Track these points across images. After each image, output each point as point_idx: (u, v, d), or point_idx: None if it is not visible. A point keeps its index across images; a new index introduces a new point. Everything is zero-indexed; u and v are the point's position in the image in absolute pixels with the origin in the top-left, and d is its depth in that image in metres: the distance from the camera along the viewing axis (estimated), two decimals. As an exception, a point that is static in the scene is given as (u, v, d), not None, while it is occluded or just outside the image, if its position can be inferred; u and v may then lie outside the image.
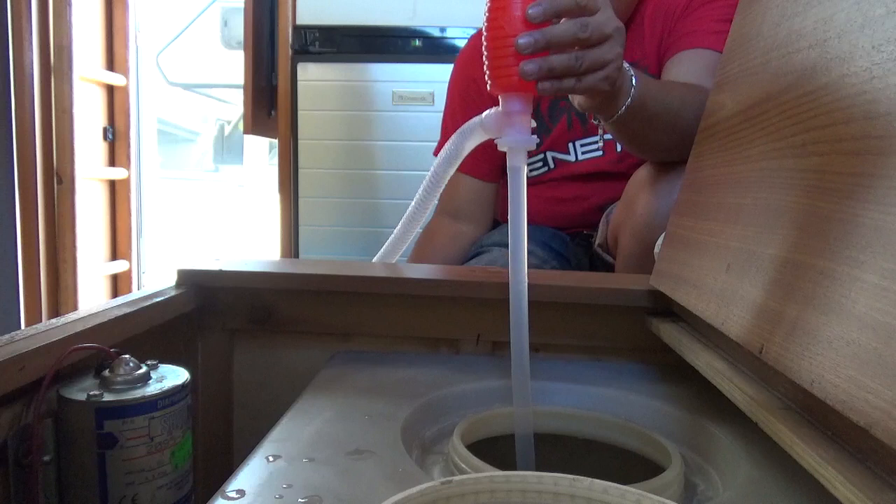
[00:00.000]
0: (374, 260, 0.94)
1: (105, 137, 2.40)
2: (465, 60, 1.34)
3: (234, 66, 2.57)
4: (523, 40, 0.58)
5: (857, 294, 0.39)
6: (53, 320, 0.61)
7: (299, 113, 1.98)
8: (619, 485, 0.37)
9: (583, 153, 1.25)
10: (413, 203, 0.84)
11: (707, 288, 0.61)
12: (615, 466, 0.62)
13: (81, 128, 2.19)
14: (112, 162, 2.44)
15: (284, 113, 1.99)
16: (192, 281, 0.79)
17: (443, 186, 0.81)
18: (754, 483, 0.51)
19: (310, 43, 1.97)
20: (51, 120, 2.13)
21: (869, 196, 0.41)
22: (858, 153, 0.43)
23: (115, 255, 2.47)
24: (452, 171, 0.78)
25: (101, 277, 2.41)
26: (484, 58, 0.60)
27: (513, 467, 0.56)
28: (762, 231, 0.54)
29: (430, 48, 1.96)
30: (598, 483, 0.37)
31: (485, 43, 0.59)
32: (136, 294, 0.73)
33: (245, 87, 2.02)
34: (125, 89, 2.42)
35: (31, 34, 2.06)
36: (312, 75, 1.98)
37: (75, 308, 2.14)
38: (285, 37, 1.96)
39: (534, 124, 0.59)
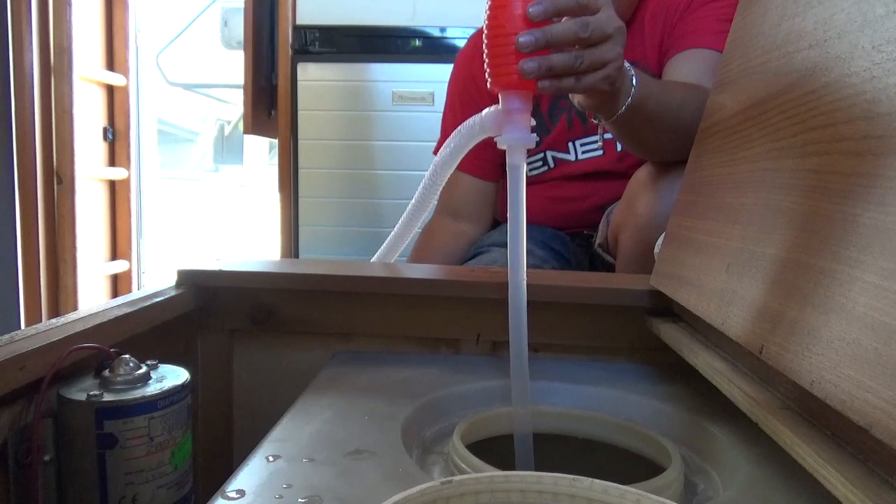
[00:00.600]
0: (374, 259, 0.94)
1: (105, 137, 2.40)
2: (465, 59, 1.34)
3: (234, 66, 2.56)
4: (524, 38, 0.58)
5: (857, 294, 0.39)
6: (53, 320, 0.61)
7: (299, 113, 1.98)
8: (619, 485, 0.37)
9: (583, 153, 1.25)
10: (413, 201, 0.84)
11: (707, 288, 0.61)
12: (615, 466, 0.62)
13: (81, 128, 2.19)
14: (112, 162, 2.44)
15: (284, 113, 1.99)
16: (192, 281, 0.79)
17: (442, 184, 0.81)
18: (754, 483, 0.51)
19: (310, 43, 1.97)
20: (51, 120, 2.13)
21: (869, 196, 0.41)
22: (858, 153, 0.43)
23: (115, 255, 2.47)
24: (452, 169, 0.78)
25: (101, 277, 2.41)
26: (484, 56, 0.60)
27: (513, 467, 0.56)
28: (762, 231, 0.54)
29: (430, 48, 1.96)
30: (598, 483, 0.37)
31: (485, 41, 0.59)
32: (136, 294, 0.73)
33: (245, 87, 2.02)
34: (125, 89, 2.42)
35: (31, 34, 2.06)
36: (312, 75, 1.98)
37: (75, 308, 2.14)
38: (285, 37, 1.97)
39: (533, 123, 0.59)
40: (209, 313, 0.82)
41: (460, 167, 0.90)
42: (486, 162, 1.28)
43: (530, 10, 0.59)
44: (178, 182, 5.74)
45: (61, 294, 2.20)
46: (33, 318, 2.14)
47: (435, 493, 0.35)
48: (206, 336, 0.82)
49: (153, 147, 3.04)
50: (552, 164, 1.27)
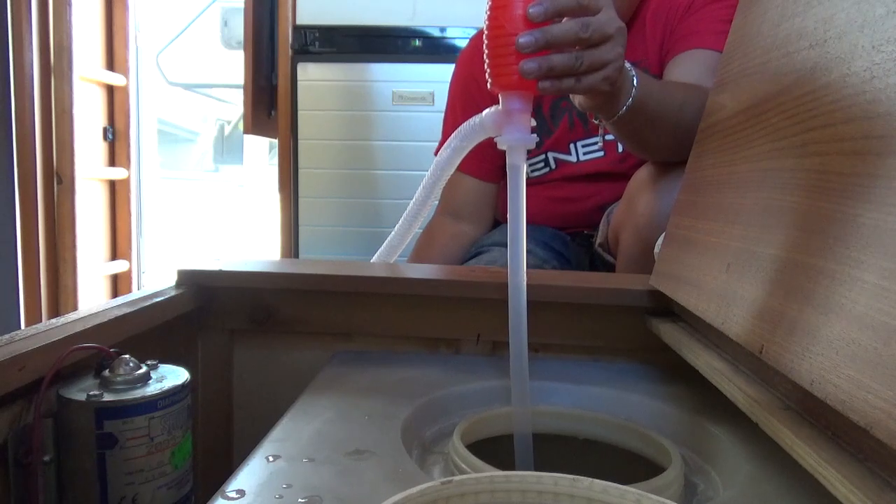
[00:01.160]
0: (374, 258, 0.94)
1: (105, 137, 2.40)
2: (466, 60, 1.34)
3: (234, 66, 2.57)
4: (524, 39, 0.58)
5: (857, 294, 0.39)
6: (53, 320, 0.61)
7: (299, 113, 1.98)
8: (619, 485, 0.37)
9: (584, 154, 1.25)
10: (413, 201, 0.84)
11: (707, 288, 0.61)
12: (615, 466, 0.62)
13: (81, 128, 2.19)
14: (112, 162, 2.44)
15: (284, 113, 1.99)
16: (192, 281, 0.79)
17: (443, 184, 0.81)
18: (754, 483, 0.51)
19: (310, 43, 1.97)
20: (51, 120, 2.13)
21: (869, 196, 0.41)
22: (858, 153, 0.43)
23: (115, 255, 2.47)
24: (453, 169, 0.78)
25: (101, 277, 2.41)
26: (485, 56, 0.60)
27: (513, 467, 0.56)
28: (762, 231, 0.54)
29: (430, 48, 1.96)
30: (598, 483, 0.37)
31: (485, 41, 0.59)
32: (136, 294, 0.73)
33: (245, 87, 2.02)
34: (125, 89, 2.42)
35: (31, 34, 2.06)
36: (312, 75, 1.98)
37: (75, 308, 2.14)
38: (285, 37, 1.97)
39: (534, 123, 0.59)
40: (209, 313, 0.82)
41: (461, 168, 0.90)
42: (487, 163, 1.28)
43: (530, 10, 0.59)
44: (178, 182, 5.74)
45: (61, 294, 2.20)
46: (33, 318, 2.14)
47: (435, 493, 0.35)
48: (206, 336, 0.82)
49: (153, 147, 3.04)
50: (553, 166, 1.27)
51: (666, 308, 0.75)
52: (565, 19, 0.64)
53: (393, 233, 0.90)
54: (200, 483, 0.72)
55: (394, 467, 0.51)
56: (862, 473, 0.37)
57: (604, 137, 1.21)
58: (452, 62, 1.39)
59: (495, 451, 0.60)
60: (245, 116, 2.06)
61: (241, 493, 0.46)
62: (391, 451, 0.54)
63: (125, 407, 0.53)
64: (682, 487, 0.52)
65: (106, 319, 0.62)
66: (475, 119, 0.67)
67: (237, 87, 2.53)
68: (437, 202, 1.30)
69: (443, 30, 1.96)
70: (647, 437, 0.60)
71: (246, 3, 2.00)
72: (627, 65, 0.77)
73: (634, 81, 0.80)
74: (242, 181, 6.04)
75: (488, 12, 0.59)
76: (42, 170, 2.13)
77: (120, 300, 0.70)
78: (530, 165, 1.28)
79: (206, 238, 5.32)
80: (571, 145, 1.25)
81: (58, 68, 2.12)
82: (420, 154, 1.93)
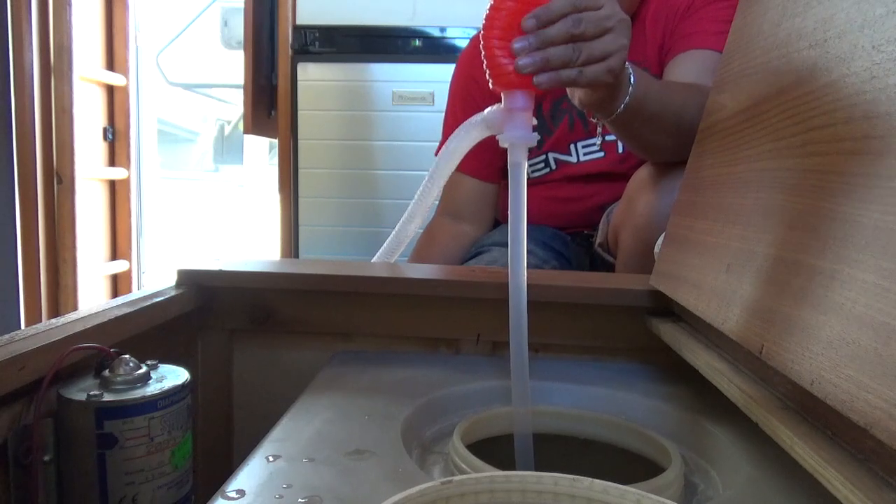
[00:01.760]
0: (375, 258, 0.94)
1: (105, 137, 2.40)
2: (466, 61, 1.34)
3: (234, 66, 2.57)
4: (518, 44, 0.59)
5: (857, 294, 0.39)
6: (53, 320, 0.61)
7: (299, 113, 1.98)
8: (619, 485, 0.37)
9: (584, 154, 1.25)
10: (413, 200, 0.84)
11: (707, 288, 0.61)
12: (615, 466, 0.62)
13: (81, 128, 2.19)
14: (112, 162, 2.44)
15: (284, 113, 1.99)
16: (192, 281, 0.79)
17: (443, 182, 0.81)
18: (754, 483, 0.51)
19: (310, 43, 1.97)
20: (51, 120, 2.13)
21: (869, 196, 0.41)
22: (858, 153, 0.43)
23: (115, 255, 2.47)
24: (453, 167, 0.78)
25: (101, 277, 2.41)
26: (482, 56, 0.60)
27: (513, 467, 0.56)
28: (762, 231, 0.54)
29: (430, 48, 1.96)
30: (598, 483, 0.37)
31: (482, 41, 0.59)
32: (136, 294, 0.73)
33: (245, 87, 2.02)
34: (125, 89, 2.42)
35: (31, 34, 2.06)
36: (312, 75, 1.98)
37: (75, 308, 2.14)
38: (285, 37, 1.97)
39: (534, 122, 0.59)
40: (209, 313, 0.82)
41: (462, 168, 0.90)
42: (488, 164, 1.28)
43: (524, 24, 0.59)
44: (178, 182, 5.74)
45: (61, 294, 2.20)
46: (33, 318, 2.14)
47: (435, 493, 0.35)
48: (206, 336, 0.82)
49: (153, 147, 3.04)
50: (554, 166, 1.27)
51: (666, 308, 0.75)
52: (561, 21, 0.64)
53: (393, 233, 0.90)
54: (200, 483, 0.72)
55: (394, 467, 0.51)
56: (862, 473, 0.37)
57: (604, 138, 1.21)
58: (452, 62, 1.39)
59: (495, 451, 0.60)
60: (245, 116, 2.06)
61: (241, 493, 0.46)
62: (391, 451, 0.54)
63: (125, 407, 0.53)
64: (682, 487, 0.52)
65: (106, 319, 0.62)
66: (476, 117, 0.67)
67: (237, 87, 2.53)
68: (437, 202, 1.30)
69: (443, 30, 1.96)
70: (647, 437, 0.60)
71: (246, 3, 2.00)
72: (626, 64, 0.77)
73: (632, 80, 0.80)
74: (242, 181, 6.04)
75: (486, 12, 0.59)
76: (42, 170, 2.13)
77: (120, 300, 0.70)
78: (530, 166, 1.28)
79: (206, 238, 5.32)
80: (571, 146, 1.25)
81: (58, 68, 2.12)
82: (420, 154, 1.93)
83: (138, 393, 0.54)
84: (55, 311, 2.17)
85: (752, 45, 0.66)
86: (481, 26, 0.60)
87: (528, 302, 0.57)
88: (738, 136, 0.64)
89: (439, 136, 1.38)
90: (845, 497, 0.36)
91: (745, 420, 0.50)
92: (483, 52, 0.60)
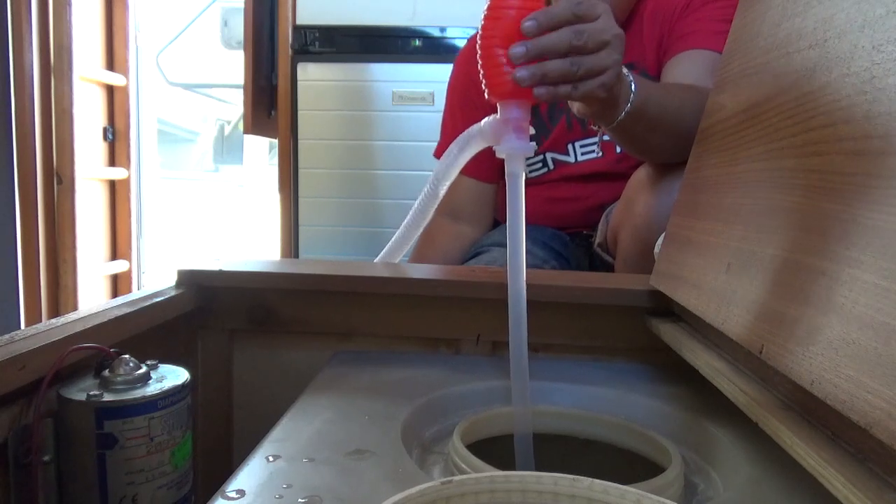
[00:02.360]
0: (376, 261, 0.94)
1: (105, 137, 2.40)
2: (464, 61, 1.34)
3: (234, 66, 2.56)
4: (516, 50, 0.58)
5: (857, 294, 0.39)
6: (53, 320, 0.61)
7: (299, 113, 1.98)
8: (619, 485, 0.37)
9: (582, 154, 1.25)
10: (413, 210, 0.84)
11: (707, 288, 0.61)
12: (615, 466, 0.62)
13: (81, 128, 2.19)
14: (112, 162, 2.44)
15: (284, 113, 1.99)
16: (192, 281, 0.79)
17: (443, 193, 0.81)
18: (754, 483, 0.51)
19: (310, 43, 1.97)
20: (51, 120, 2.13)
21: (869, 196, 0.41)
22: (858, 153, 0.43)
23: (115, 255, 2.47)
24: (452, 178, 0.78)
25: (101, 277, 2.41)
26: (479, 66, 0.59)
27: (513, 467, 0.56)
28: (762, 231, 0.54)
29: (430, 48, 1.96)
30: (598, 483, 0.37)
31: (479, 51, 0.59)
32: (136, 294, 0.73)
33: (245, 87, 2.02)
34: (125, 89, 2.42)
35: (31, 34, 2.06)
36: (312, 75, 1.98)
37: (75, 308, 2.14)
38: (285, 37, 1.97)
39: (532, 131, 0.59)
40: (209, 313, 0.82)
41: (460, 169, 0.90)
42: (486, 164, 1.28)
43: (524, 26, 0.58)
44: (178, 182, 5.74)
45: (61, 294, 2.20)
46: (33, 318, 2.14)
47: (435, 493, 0.35)
48: (206, 336, 0.82)
49: (153, 147, 3.04)
50: (552, 166, 1.27)
51: (666, 308, 0.75)
52: (563, 30, 0.64)
53: (392, 240, 0.90)
54: (200, 483, 0.72)
55: (394, 467, 0.51)
56: (862, 473, 0.37)
57: (602, 137, 1.21)
58: (452, 62, 1.39)
59: (495, 451, 0.60)
60: (245, 116, 2.06)
61: (241, 493, 0.46)
62: (391, 451, 0.54)
63: (125, 407, 0.53)
64: (682, 487, 0.52)
65: (106, 319, 0.62)
66: (474, 128, 0.66)
67: (237, 87, 2.53)
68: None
69: (443, 30, 1.96)
70: (647, 437, 0.60)
71: (246, 3, 2.00)
72: (625, 70, 0.77)
73: (633, 87, 0.80)
74: (242, 181, 6.04)
75: (483, 21, 0.59)
76: (42, 170, 2.13)
77: (120, 300, 0.70)
78: (528, 166, 1.28)
79: (206, 238, 5.32)
80: (569, 145, 1.25)
81: (58, 68, 2.12)
82: (420, 154, 1.93)
83: (138, 393, 0.54)
84: (55, 311, 2.17)
85: (752, 46, 0.66)
86: (478, 36, 0.60)
87: (528, 302, 0.57)
88: (738, 136, 0.64)
89: (439, 136, 1.38)
90: (845, 497, 0.36)
91: (745, 420, 0.50)
92: (479, 63, 0.59)
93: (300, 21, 1.98)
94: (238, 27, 2.32)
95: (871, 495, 0.35)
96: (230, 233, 5.41)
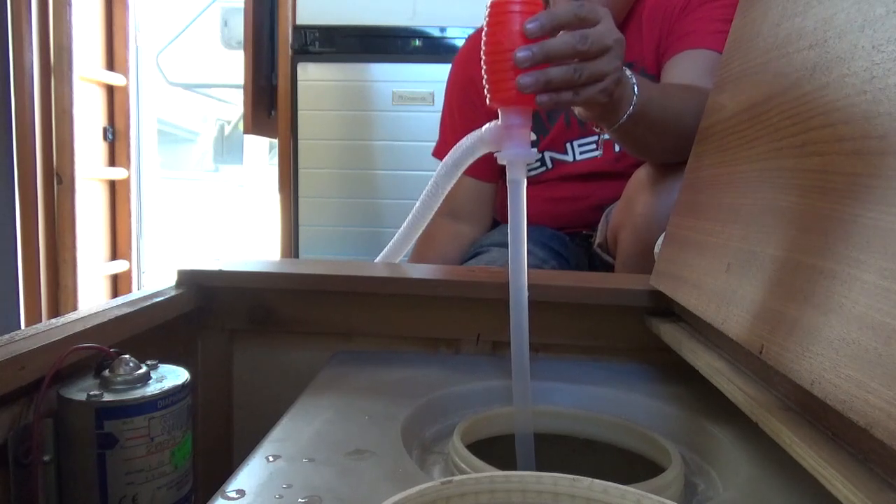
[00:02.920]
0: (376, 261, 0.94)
1: (105, 137, 2.40)
2: (463, 61, 1.34)
3: (234, 66, 2.57)
4: (521, 54, 0.58)
5: (857, 294, 0.39)
6: (53, 320, 0.61)
7: (299, 113, 1.98)
8: (619, 485, 0.37)
9: (580, 153, 1.25)
10: (412, 214, 0.84)
11: (707, 288, 0.61)
12: (615, 466, 0.62)
13: (81, 128, 2.19)
14: (112, 162, 2.44)
15: (284, 113, 1.99)
16: (192, 281, 0.79)
17: (443, 197, 0.81)
18: (754, 483, 0.51)
19: (310, 43, 1.97)
20: (51, 120, 2.13)
21: (869, 196, 0.41)
22: (858, 153, 0.43)
23: (115, 255, 2.47)
24: (453, 182, 0.78)
25: (101, 277, 2.41)
26: (483, 72, 0.59)
27: (513, 467, 0.56)
28: (762, 231, 0.54)
29: (430, 48, 1.96)
30: (598, 483, 0.37)
31: (483, 57, 0.59)
32: (136, 294, 0.73)
33: (245, 87, 2.02)
34: (125, 89, 2.42)
35: (31, 34, 2.06)
36: (312, 75, 1.98)
37: (75, 308, 2.14)
38: (285, 37, 1.97)
39: (533, 137, 0.59)
40: (209, 313, 0.82)
41: (460, 169, 0.89)
42: (486, 164, 1.27)
43: (527, 27, 0.58)
44: (178, 182, 5.74)
45: (61, 294, 2.20)
46: (33, 318, 2.14)
47: (435, 493, 0.35)
48: (206, 336, 0.82)
49: (153, 147, 3.04)
50: (550, 165, 1.26)
51: (666, 308, 0.75)
52: (562, 32, 0.64)
53: (391, 242, 0.90)
54: (200, 483, 0.72)
55: (394, 467, 0.51)
56: (862, 473, 0.37)
57: (602, 137, 1.21)
58: (452, 62, 1.39)
59: (495, 451, 0.60)
60: (245, 116, 2.06)
61: (241, 493, 0.46)
62: (391, 451, 0.54)
63: (125, 407, 0.53)
64: (682, 487, 0.52)
65: (106, 319, 0.62)
66: (475, 134, 0.66)
67: (237, 87, 2.53)
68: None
69: (443, 30, 1.96)
70: (647, 437, 0.60)
71: (246, 3, 2.00)
72: (628, 72, 0.77)
73: (635, 90, 0.80)
74: (242, 181, 6.04)
75: (486, 27, 0.59)
76: (42, 170, 2.13)
77: (120, 300, 0.70)
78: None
79: (206, 238, 5.32)
80: (568, 144, 1.25)
81: (58, 68, 2.12)
82: (420, 154, 1.93)
83: (138, 393, 0.54)
84: (55, 311, 2.17)
85: (752, 46, 0.66)
86: (482, 42, 0.59)
87: (529, 303, 0.57)
88: (738, 136, 0.64)
89: (438, 136, 1.38)
90: (845, 497, 0.36)
91: (745, 420, 0.50)
92: (484, 68, 0.59)
93: (300, 21, 1.98)
94: (238, 27, 2.32)
95: (871, 495, 0.35)
96: (230, 233, 5.41)
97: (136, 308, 0.67)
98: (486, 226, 1.34)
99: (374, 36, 1.97)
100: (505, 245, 0.64)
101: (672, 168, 0.94)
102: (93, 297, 2.29)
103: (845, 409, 0.37)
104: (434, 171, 0.80)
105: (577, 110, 0.81)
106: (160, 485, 0.55)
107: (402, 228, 0.87)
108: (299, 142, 1.98)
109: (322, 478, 0.49)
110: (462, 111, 1.29)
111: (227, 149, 6.40)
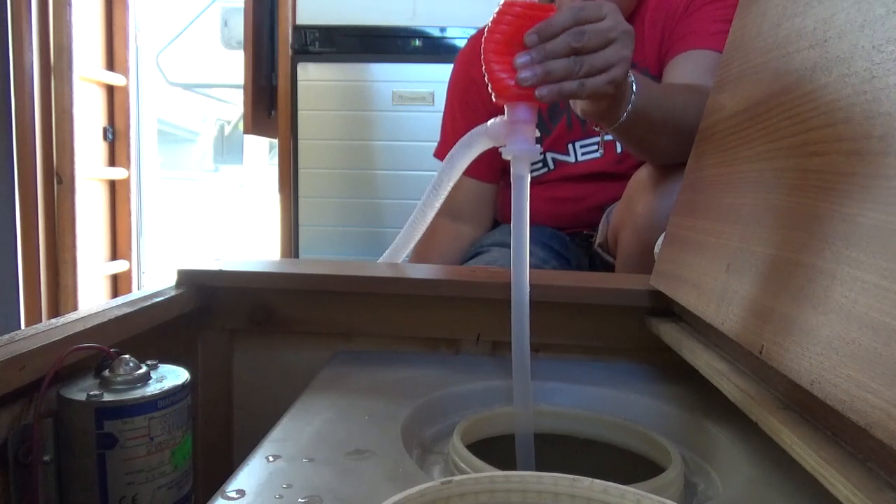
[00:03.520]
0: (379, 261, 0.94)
1: (105, 137, 2.40)
2: (464, 61, 1.34)
3: (234, 66, 2.57)
4: (521, 60, 0.59)
5: (857, 294, 0.39)
6: (53, 320, 0.61)
7: (299, 113, 1.98)
8: (619, 485, 0.37)
9: (582, 154, 1.25)
10: (416, 210, 0.84)
11: (707, 288, 0.61)
12: (615, 466, 0.62)
13: (81, 128, 2.19)
14: (112, 162, 2.44)
15: (284, 113, 1.99)
16: (192, 281, 0.79)
17: (446, 192, 0.81)
18: (754, 483, 0.51)
19: (310, 43, 1.97)
20: (51, 120, 2.13)
21: (869, 196, 0.41)
22: (858, 153, 0.43)
23: (115, 255, 2.47)
24: (456, 178, 0.78)
25: (101, 277, 2.41)
26: (483, 70, 0.60)
27: (513, 467, 0.56)
28: (762, 231, 0.54)
29: (430, 48, 1.96)
30: (598, 483, 0.37)
31: (483, 55, 0.59)
32: (136, 294, 0.73)
33: (245, 87, 2.02)
34: (125, 89, 2.42)
35: (31, 34, 2.06)
36: (312, 75, 1.98)
37: (75, 308, 2.14)
38: (285, 37, 1.97)
39: (538, 134, 0.59)
40: (209, 313, 0.82)
41: (461, 169, 0.90)
42: (486, 164, 1.28)
43: (526, 40, 0.59)
44: (178, 182, 5.74)
45: (61, 294, 2.20)
46: (33, 318, 2.14)
47: (435, 493, 0.35)
48: (206, 336, 0.82)
49: (153, 147, 3.04)
50: (552, 166, 1.27)
51: (666, 308, 0.75)
52: (563, 35, 0.64)
53: (395, 241, 0.90)
54: (200, 483, 0.72)
55: (394, 467, 0.51)
56: (862, 473, 0.37)
57: (603, 137, 1.21)
58: (452, 62, 1.39)
59: (495, 451, 0.60)
60: (245, 116, 2.06)
61: (241, 493, 0.46)
62: (391, 451, 0.54)
63: (125, 407, 0.53)
64: (682, 487, 0.52)
65: (106, 319, 0.62)
66: (480, 129, 0.67)
67: (237, 87, 2.53)
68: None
69: (443, 30, 1.96)
70: (647, 437, 0.60)
71: (246, 3, 2.00)
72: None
73: (634, 88, 0.80)
74: (242, 181, 6.04)
75: (490, 25, 0.59)
76: (42, 170, 2.13)
77: (120, 300, 0.70)
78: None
79: (206, 238, 5.32)
80: (570, 145, 1.25)
81: (58, 68, 2.12)
82: (420, 154, 1.93)
83: (138, 393, 0.54)
84: (55, 311, 2.17)
85: (752, 46, 0.66)
86: (483, 39, 0.60)
87: (529, 303, 0.57)
88: (738, 136, 0.64)
89: (439, 136, 1.38)
90: (845, 497, 0.36)
91: (745, 420, 0.50)
92: (485, 66, 0.59)
93: (300, 21, 1.98)
94: (238, 27, 2.32)
95: (871, 495, 0.35)
96: (230, 233, 5.41)
97: (136, 308, 0.67)
98: (486, 226, 1.34)
99: (374, 36, 1.97)
100: (505, 245, 0.64)
101: (673, 168, 0.94)
102: (93, 297, 2.29)
103: (845, 409, 0.37)
104: (434, 171, 0.80)
105: (580, 107, 0.81)
106: (160, 485, 0.55)
107: (406, 225, 0.87)
108: (299, 142, 1.99)
109: (322, 478, 0.49)
110: (463, 111, 1.29)
111: (227, 149, 6.40)
